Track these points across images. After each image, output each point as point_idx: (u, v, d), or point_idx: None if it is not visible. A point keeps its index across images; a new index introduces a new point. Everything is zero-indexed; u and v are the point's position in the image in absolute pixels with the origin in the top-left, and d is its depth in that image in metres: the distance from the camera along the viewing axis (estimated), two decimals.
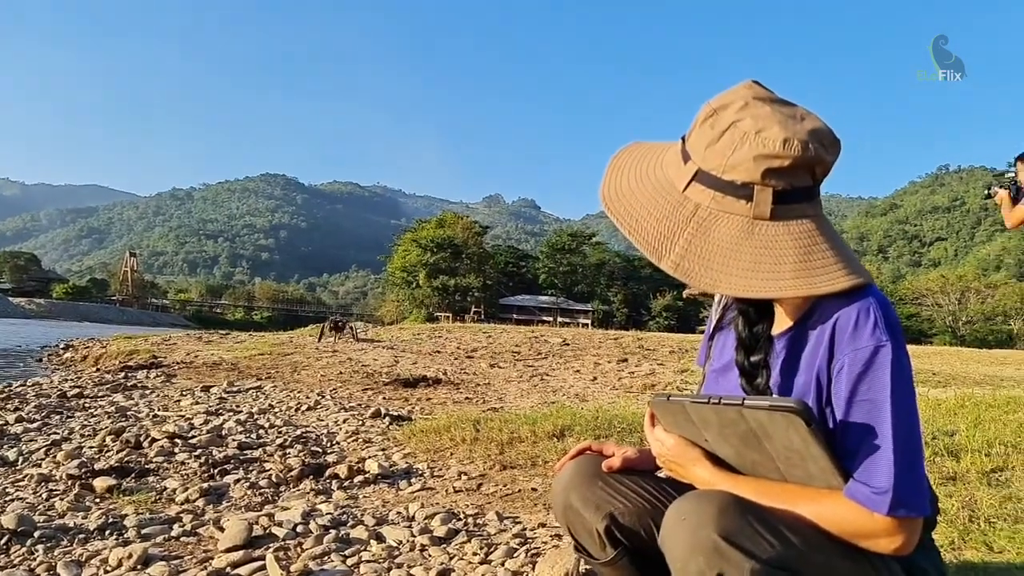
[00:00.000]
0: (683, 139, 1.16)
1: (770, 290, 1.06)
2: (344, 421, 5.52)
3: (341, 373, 9.51)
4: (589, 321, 65.97)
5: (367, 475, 3.61)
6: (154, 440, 4.35)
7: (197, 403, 6.37)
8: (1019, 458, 3.27)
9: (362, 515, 2.91)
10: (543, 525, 2.78)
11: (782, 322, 1.22)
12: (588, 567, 2.15)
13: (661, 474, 1.52)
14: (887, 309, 1.09)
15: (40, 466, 3.68)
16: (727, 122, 1.09)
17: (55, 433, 4.70)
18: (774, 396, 1.18)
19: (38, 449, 4.09)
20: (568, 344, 15.23)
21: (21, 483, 3.38)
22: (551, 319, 65.13)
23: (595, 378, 9.25)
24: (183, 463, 3.84)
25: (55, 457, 3.85)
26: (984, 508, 2.63)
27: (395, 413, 5.90)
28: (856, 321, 1.08)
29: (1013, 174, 5.14)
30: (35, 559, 2.32)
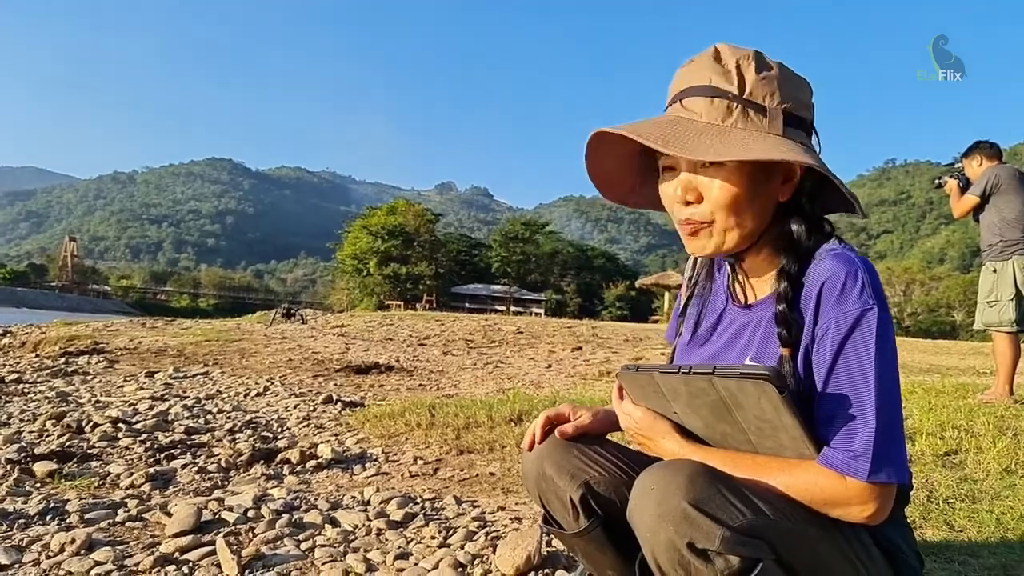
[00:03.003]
0: (728, 97, 1.12)
1: (860, 207, 1.16)
2: (295, 407, 5.41)
3: (291, 360, 9.34)
4: (542, 310, 66.22)
5: (320, 460, 3.54)
6: (97, 425, 4.19)
7: (141, 389, 6.18)
8: (972, 441, 3.36)
9: (315, 500, 2.85)
10: (502, 508, 2.77)
11: (769, 284, 1.21)
12: (551, 548, 2.15)
13: (634, 445, 1.51)
14: (873, 275, 1.09)
15: None
16: (777, 66, 1.15)
17: None
18: (744, 364, 1.16)
19: None
20: (522, 332, 15.24)
21: None
22: (504, 308, 65.17)
23: (550, 365, 9.27)
24: (127, 448, 3.71)
25: None
26: (941, 489, 2.71)
27: (347, 399, 5.81)
28: (843, 285, 1.08)
29: (961, 167, 5.30)
30: None
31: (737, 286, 1.29)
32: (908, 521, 1.28)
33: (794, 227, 1.17)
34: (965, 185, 5.25)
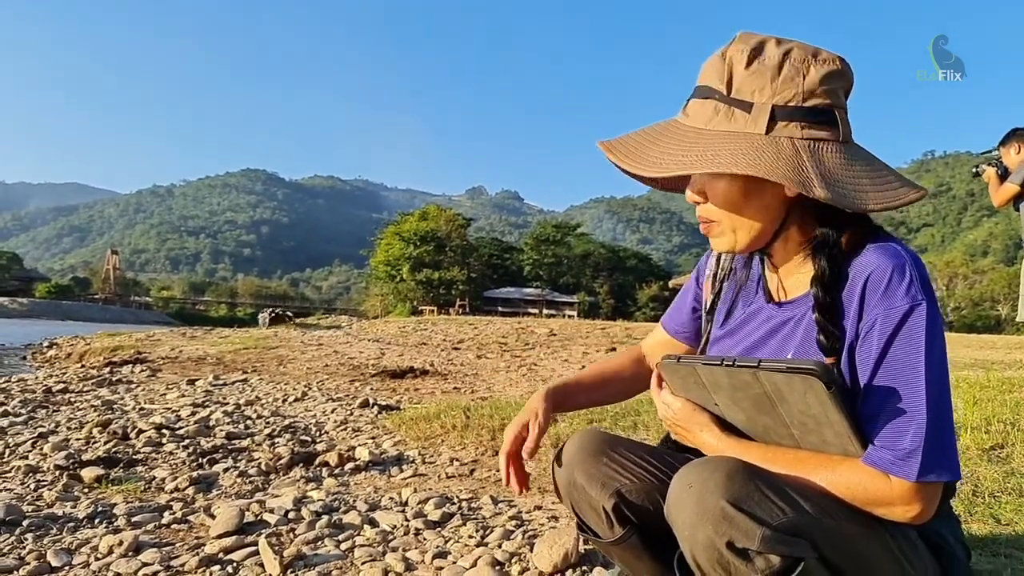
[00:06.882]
0: (716, 97, 1.09)
1: (898, 200, 1.05)
2: (332, 411, 5.49)
3: (327, 365, 9.47)
4: (575, 312, 66.05)
5: (358, 462, 3.59)
6: (141, 431, 4.30)
7: (183, 396, 6.31)
8: (1019, 435, 3.26)
9: (354, 501, 2.89)
10: (539, 508, 2.77)
11: (802, 283, 1.18)
12: (588, 546, 2.15)
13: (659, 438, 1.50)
14: (921, 268, 1.06)
15: (27, 458, 3.62)
16: (779, 54, 1.06)
17: (41, 426, 4.63)
18: (791, 357, 1.13)
19: (24, 441, 4.03)
20: (555, 334, 15.23)
21: (8, 474, 3.32)
22: (537, 311, 65.12)
23: (584, 367, 9.25)
24: (171, 453, 3.80)
25: (42, 449, 3.80)
26: (987, 483, 2.64)
27: (383, 403, 5.88)
28: (890, 279, 1.04)
29: (998, 155, 5.19)
30: (24, 547, 2.28)
31: (769, 282, 1.25)
32: (954, 513, 1.24)
33: (819, 229, 1.12)
34: (1004, 173, 5.13)
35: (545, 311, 65.00)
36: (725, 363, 1.05)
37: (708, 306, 1.39)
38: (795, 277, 1.20)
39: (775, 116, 1.05)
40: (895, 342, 1.02)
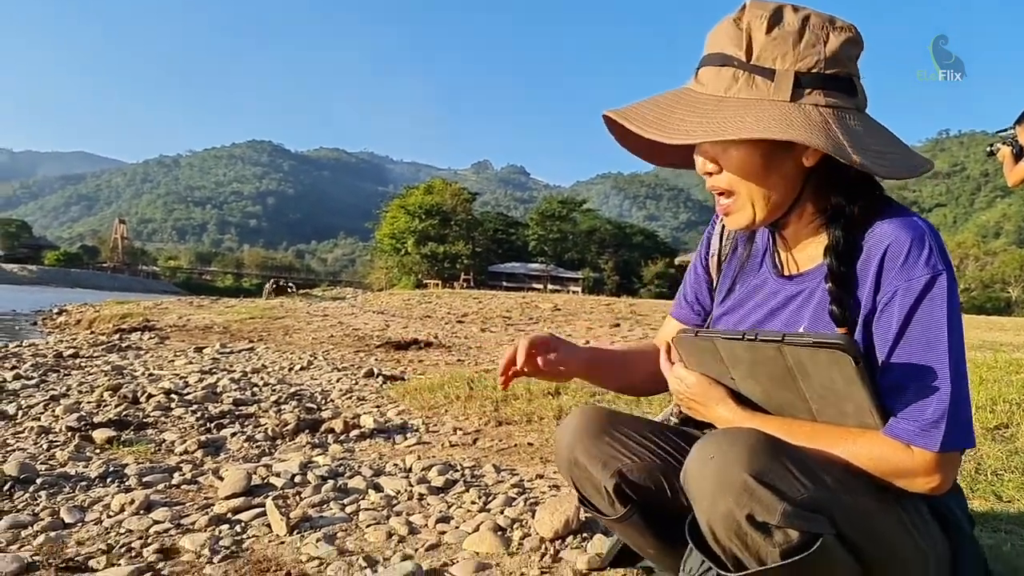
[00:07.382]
0: (734, 64, 1.07)
1: (918, 168, 1.06)
2: (337, 380, 5.55)
3: (332, 336, 9.53)
4: (580, 288, 66.01)
5: (363, 430, 3.64)
6: (151, 396, 4.37)
7: (191, 363, 6.38)
8: (1023, 415, 3.29)
9: (359, 467, 2.94)
10: (540, 476, 2.82)
11: (814, 255, 1.17)
12: (589, 514, 2.19)
13: (658, 418, 1.51)
14: (938, 238, 1.05)
15: (39, 419, 3.70)
16: (798, 20, 1.05)
17: (53, 389, 4.71)
18: (815, 331, 1.11)
19: (37, 404, 4.11)
20: (559, 310, 15.24)
21: (21, 435, 3.39)
22: (541, 286, 65.06)
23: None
24: (180, 417, 3.87)
25: (54, 411, 3.87)
26: (990, 461, 2.66)
27: (388, 373, 5.93)
28: (908, 250, 1.04)
29: (1013, 134, 5.12)
30: (38, 504, 2.35)
31: (778, 255, 1.24)
32: (959, 486, 1.23)
33: (833, 198, 1.10)
34: (1019, 152, 5.06)
35: (550, 287, 64.95)
36: (747, 337, 1.04)
37: (715, 286, 1.39)
38: (807, 251, 1.19)
39: (800, 83, 1.03)
40: (917, 312, 1.02)
